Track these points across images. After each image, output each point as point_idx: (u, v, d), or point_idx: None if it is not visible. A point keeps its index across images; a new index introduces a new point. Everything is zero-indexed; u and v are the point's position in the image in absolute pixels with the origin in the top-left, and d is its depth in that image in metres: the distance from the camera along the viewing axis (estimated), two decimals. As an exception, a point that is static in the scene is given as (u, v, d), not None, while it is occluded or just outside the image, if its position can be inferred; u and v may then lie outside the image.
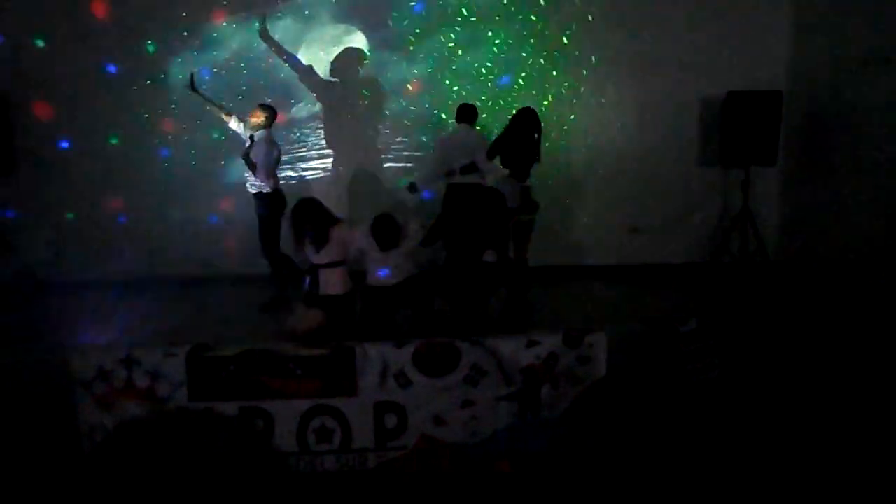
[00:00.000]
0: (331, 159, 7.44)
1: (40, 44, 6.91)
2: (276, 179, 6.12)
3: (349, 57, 7.32)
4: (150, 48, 7.06)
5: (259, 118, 6.03)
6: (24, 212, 7.13)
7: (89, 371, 3.66)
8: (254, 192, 6.07)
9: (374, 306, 4.85)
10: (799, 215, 7.26)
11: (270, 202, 6.04)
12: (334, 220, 4.90)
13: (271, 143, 6.05)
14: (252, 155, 5.96)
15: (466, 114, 6.36)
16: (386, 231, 4.74)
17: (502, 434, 3.75)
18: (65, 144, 7.08)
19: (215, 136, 7.14)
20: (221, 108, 6.34)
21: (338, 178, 7.42)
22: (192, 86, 6.21)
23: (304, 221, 4.82)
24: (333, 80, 7.35)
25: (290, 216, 4.92)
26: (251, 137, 6.04)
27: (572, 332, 3.77)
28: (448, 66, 7.29)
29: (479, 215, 5.17)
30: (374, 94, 7.39)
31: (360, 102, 7.41)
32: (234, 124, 6.25)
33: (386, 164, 7.44)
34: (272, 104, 6.27)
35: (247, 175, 6.07)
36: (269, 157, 5.96)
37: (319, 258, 4.85)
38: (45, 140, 7.02)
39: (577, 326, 3.83)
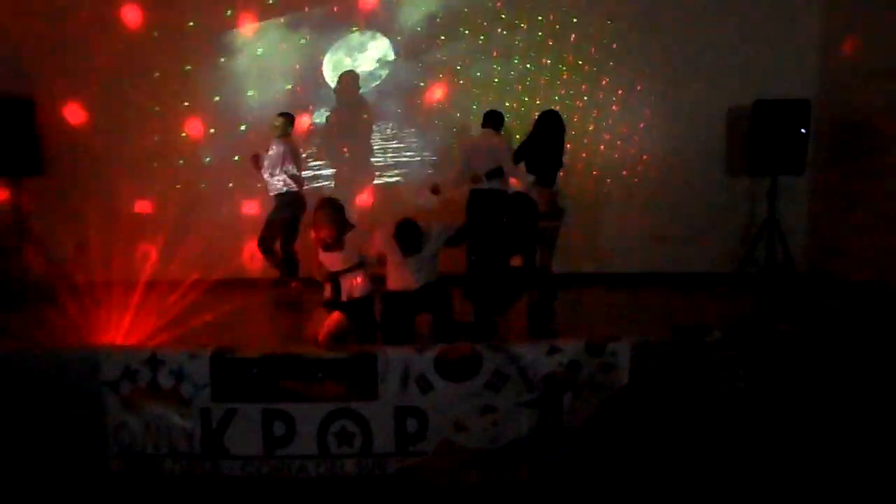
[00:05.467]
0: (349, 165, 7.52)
1: (73, 49, 7.04)
2: (288, 181, 6.36)
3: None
4: (181, 53, 7.17)
5: (276, 124, 6.40)
6: (52, 212, 7.27)
7: (115, 371, 3.70)
8: (272, 193, 6.44)
9: (395, 311, 4.85)
10: (827, 226, 7.15)
11: (279, 202, 6.39)
12: (348, 226, 4.90)
13: (282, 146, 6.34)
14: (264, 158, 6.37)
15: (492, 119, 6.36)
16: (409, 236, 4.73)
17: (523, 441, 3.72)
18: (94, 147, 7.19)
19: (243, 139, 7.23)
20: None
21: (357, 184, 7.47)
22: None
23: (320, 226, 4.82)
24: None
25: (312, 220, 4.93)
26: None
27: (595, 340, 3.74)
28: (471, 72, 7.29)
29: (507, 221, 5.16)
30: (393, 101, 7.43)
31: (377, 110, 7.46)
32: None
33: (406, 170, 7.46)
34: (290, 111, 6.58)
35: None
36: (274, 159, 6.30)
37: (336, 265, 4.86)
38: (75, 142, 7.14)
39: (601, 334, 3.80)
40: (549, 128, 5.80)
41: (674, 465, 3.65)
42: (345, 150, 7.48)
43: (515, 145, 6.35)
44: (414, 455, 3.74)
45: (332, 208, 4.86)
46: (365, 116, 7.46)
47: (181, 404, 3.70)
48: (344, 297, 4.84)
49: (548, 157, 5.77)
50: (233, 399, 3.70)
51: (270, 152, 6.34)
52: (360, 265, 4.89)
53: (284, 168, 6.31)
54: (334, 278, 4.88)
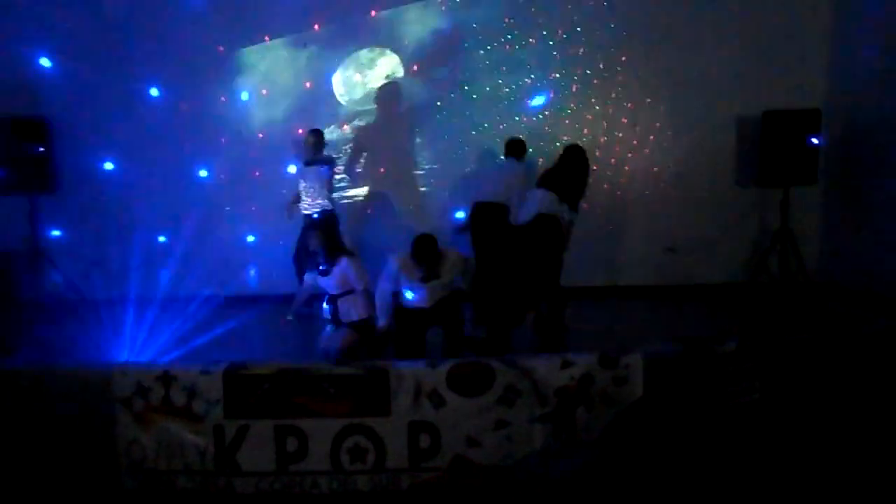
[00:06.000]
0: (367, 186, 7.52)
1: (87, 70, 7.12)
2: (331, 197, 6.53)
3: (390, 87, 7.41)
4: (193, 71, 7.23)
5: (310, 142, 6.46)
6: (67, 230, 7.34)
7: (128, 388, 3.72)
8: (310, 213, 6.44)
9: (407, 326, 4.84)
10: (840, 235, 7.09)
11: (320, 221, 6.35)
12: (341, 251, 4.88)
13: (324, 164, 6.47)
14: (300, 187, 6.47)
15: (515, 148, 6.49)
16: (427, 250, 4.67)
17: (537, 456, 3.70)
18: (108, 166, 7.26)
19: (253, 157, 7.28)
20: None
21: (374, 205, 7.49)
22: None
23: (310, 251, 4.80)
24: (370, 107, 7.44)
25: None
26: (306, 163, 6.46)
27: (608, 353, 3.72)
28: (480, 87, 7.32)
29: (531, 247, 5.15)
30: (410, 119, 7.46)
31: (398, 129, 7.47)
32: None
33: (416, 185, 7.48)
34: (317, 129, 6.62)
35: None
36: (316, 178, 6.40)
37: (331, 288, 4.85)
38: (89, 161, 7.21)
39: (613, 347, 3.78)
40: (574, 163, 5.76)
41: (689, 478, 3.61)
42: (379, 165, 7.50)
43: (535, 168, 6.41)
44: (427, 471, 3.72)
45: (323, 231, 4.85)
46: (398, 129, 7.47)
47: (194, 421, 3.71)
48: (343, 319, 4.82)
49: (571, 191, 5.72)
50: (245, 415, 3.70)
51: (309, 172, 6.37)
52: (353, 290, 4.86)
53: (330, 184, 6.45)
54: (332, 301, 4.86)
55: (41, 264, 7.16)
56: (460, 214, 6.81)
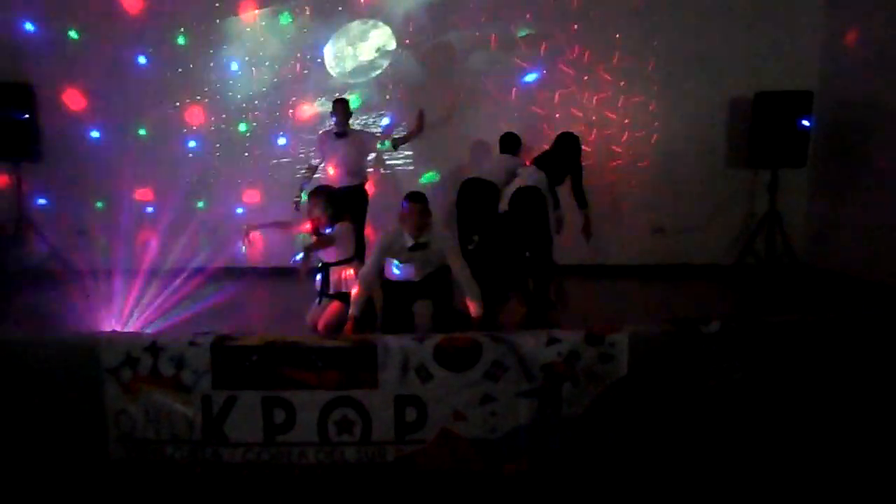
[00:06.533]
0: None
1: (73, 35, 7.00)
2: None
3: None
4: (181, 40, 7.13)
5: (339, 111, 6.16)
6: (53, 199, 7.27)
7: (116, 358, 3.71)
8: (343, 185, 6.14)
9: (395, 300, 4.84)
10: (828, 218, 7.15)
11: (351, 195, 6.10)
12: (342, 216, 4.84)
13: (360, 135, 6.35)
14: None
15: (509, 143, 6.41)
16: (420, 196, 4.56)
17: (522, 431, 3.74)
18: (94, 134, 7.18)
19: (242, 128, 7.22)
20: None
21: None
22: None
23: (314, 212, 4.79)
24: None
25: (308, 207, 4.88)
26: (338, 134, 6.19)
27: (594, 330, 3.75)
28: (471, 63, 7.26)
29: (518, 216, 5.15)
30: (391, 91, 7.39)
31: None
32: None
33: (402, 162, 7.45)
34: (343, 97, 6.43)
35: None
36: (354, 150, 6.20)
37: (329, 255, 4.83)
38: (75, 129, 7.12)
39: (600, 325, 3.81)
40: (567, 149, 5.77)
41: (671, 456, 3.67)
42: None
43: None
44: (412, 444, 3.75)
45: (328, 197, 4.83)
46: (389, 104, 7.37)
47: (182, 391, 3.71)
48: (332, 289, 4.82)
49: (561, 179, 5.73)
50: (233, 386, 3.71)
51: (340, 145, 6.10)
52: (352, 258, 4.86)
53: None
54: (325, 269, 4.85)
55: (27, 234, 7.10)
56: (429, 175, 6.83)
